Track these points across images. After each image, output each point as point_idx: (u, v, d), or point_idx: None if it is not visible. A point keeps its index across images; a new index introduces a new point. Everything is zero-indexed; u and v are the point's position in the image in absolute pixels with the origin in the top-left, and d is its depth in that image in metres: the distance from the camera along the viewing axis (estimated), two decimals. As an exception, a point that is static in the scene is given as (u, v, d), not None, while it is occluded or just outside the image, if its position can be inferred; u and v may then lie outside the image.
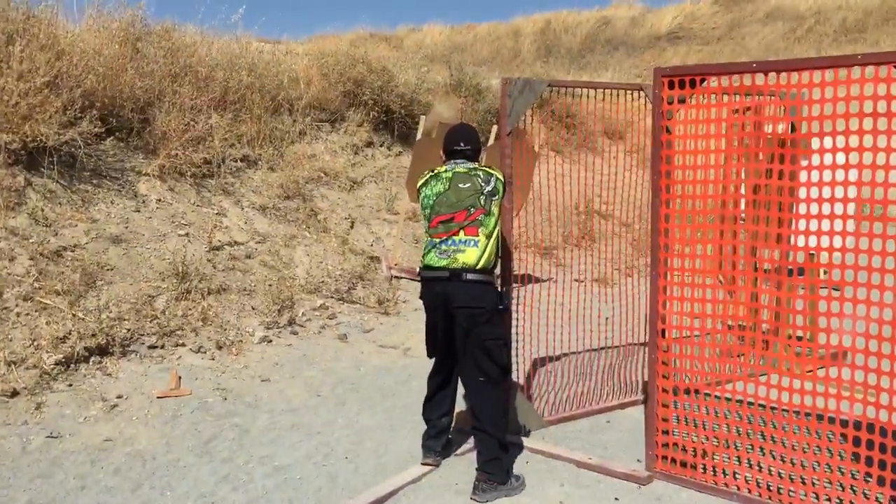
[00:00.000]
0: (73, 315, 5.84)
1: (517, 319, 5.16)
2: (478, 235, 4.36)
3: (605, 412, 5.57)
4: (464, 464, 4.65)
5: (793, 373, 4.01)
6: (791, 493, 4.00)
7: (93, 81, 7.69)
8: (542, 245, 10.63)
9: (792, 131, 5.27)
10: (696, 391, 4.38)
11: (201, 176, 8.50)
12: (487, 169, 4.54)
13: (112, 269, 6.58)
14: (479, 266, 4.36)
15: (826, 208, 3.84)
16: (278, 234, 8.54)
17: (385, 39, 24.94)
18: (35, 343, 5.51)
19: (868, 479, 3.81)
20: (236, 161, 9.10)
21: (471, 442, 4.71)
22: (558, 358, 6.32)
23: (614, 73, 21.64)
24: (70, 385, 5.35)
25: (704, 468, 4.31)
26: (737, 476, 4.26)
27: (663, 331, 4.38)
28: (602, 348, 6.63)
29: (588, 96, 5.45)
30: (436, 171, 4.61)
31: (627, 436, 5.13)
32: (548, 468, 4.62)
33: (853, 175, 3.90)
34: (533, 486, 4.39)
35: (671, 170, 4.35)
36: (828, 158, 3.89)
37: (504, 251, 4.99)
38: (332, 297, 7.87)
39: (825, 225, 3.85)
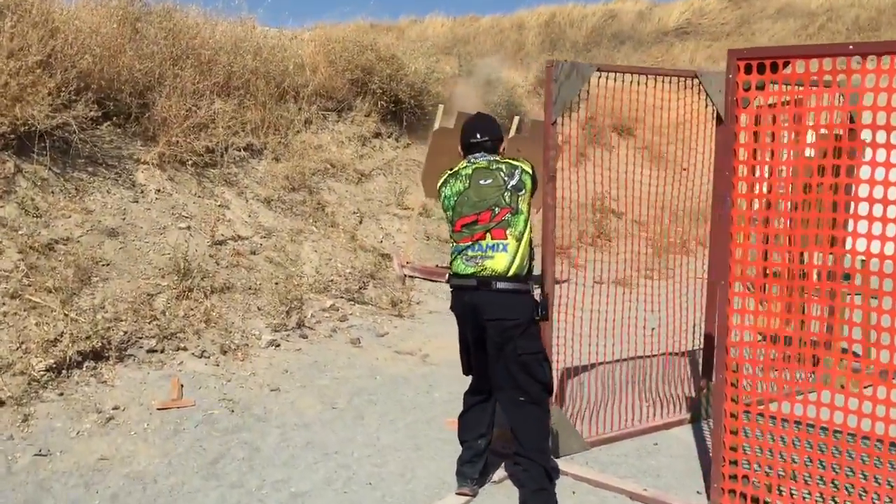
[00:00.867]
0: (66, 315, 5.32)
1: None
2: (506, 238, 3.87)
3: (649, 433, 5.08)
4: (503, 493, 4.16)
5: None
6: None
7: (89, 62, 7.15)
8: (559, 244, 10.13)
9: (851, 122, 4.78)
10: (773, 417, 3.88)
11: (203, 165, 7.97)
12: (511, 161, 4.04)
13: (108, 265, 6.06)
14: (510, 273, 3.86)
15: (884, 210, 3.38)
16: (284, 228, 8.02)
17: (387, 30, 24.41)
18: (23, 346, 4.99)
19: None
20: (240, 150, 8.57)
21: (511, 467, 4.22)
22: (590, 368, 5.82)
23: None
24: (61, 394, 4.83)
25: None
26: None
27: (732, 348, 3.89)
28: (637, 357, 6.12)
29: (639, 83, 4.94)
30: (455, 169, 4.13)
31: (679, 462, 4.63)
32: (597, 500, 4.12)
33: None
34: (582, 519, 3.90)
35: (746, 166, 3.84)
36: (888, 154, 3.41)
37: (545, 252, 4.50)
38: (342, 298, 7.36)
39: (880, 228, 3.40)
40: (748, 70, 3.79)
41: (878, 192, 3.47)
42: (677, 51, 24.81)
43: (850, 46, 3.51)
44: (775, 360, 4.26)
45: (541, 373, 3.97)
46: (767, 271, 4.17)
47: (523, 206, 3.93)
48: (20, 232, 5.70)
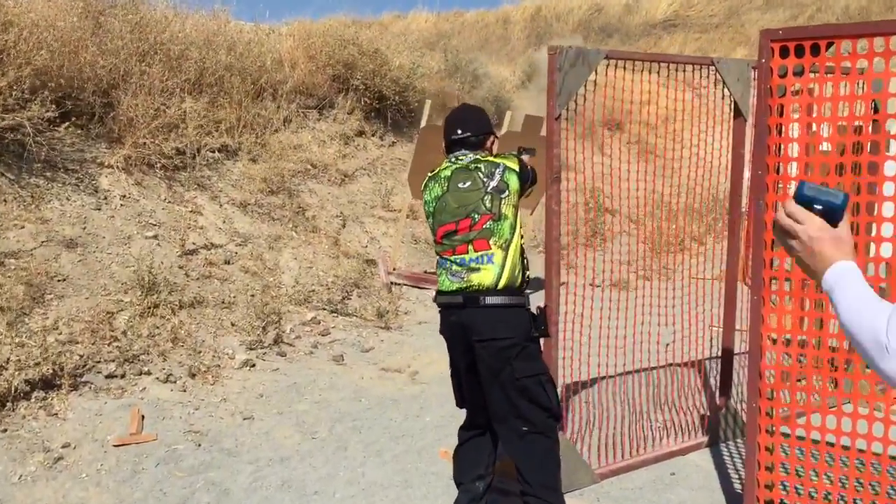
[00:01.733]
0: (13, 339, 4.77)
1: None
2: (490, 248, 3.35)
3: (664, 460, 4.56)
4: (507, 541, 3.64)
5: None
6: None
7: (45, 58, 6.58)
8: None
9: (875, 112, 4.27)
10: (815, 442, 3.36)
11: (173, 168, 7.41)
12: (492, 159, 3.51)
13: (64, 280, 5.50)
14: (500, 285, 3.34)
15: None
16: (261, 234, 7.48)
17: (369, 26, 23.85)
18: (-38, 376, 4.44)
19: None
20: (213, 151, 8.01)
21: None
22: (590, 385, 5.31)
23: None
24: (4, 430, 4.27)
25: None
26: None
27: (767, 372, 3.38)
28: (643, 371, 5.60)
29: (650, 71, 4.43)
30: (435, 171, 3.62)
31: (702, 495, 4.12)
32: (615, 547, 3.62)
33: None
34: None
35: (781, 163, 3.34)
36: None
37: (549, 261, 3.98)
38: (324, 309, 6.82)
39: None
40: (784, 53, 3.28)
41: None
42: (665, 43, 24.41)
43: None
44: (804, 367, 3.77)
45: (544, 397, 3.42)
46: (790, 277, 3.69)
47: (507, 211, 3.42)
48: (-37, 246, 5.15)
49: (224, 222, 7.30)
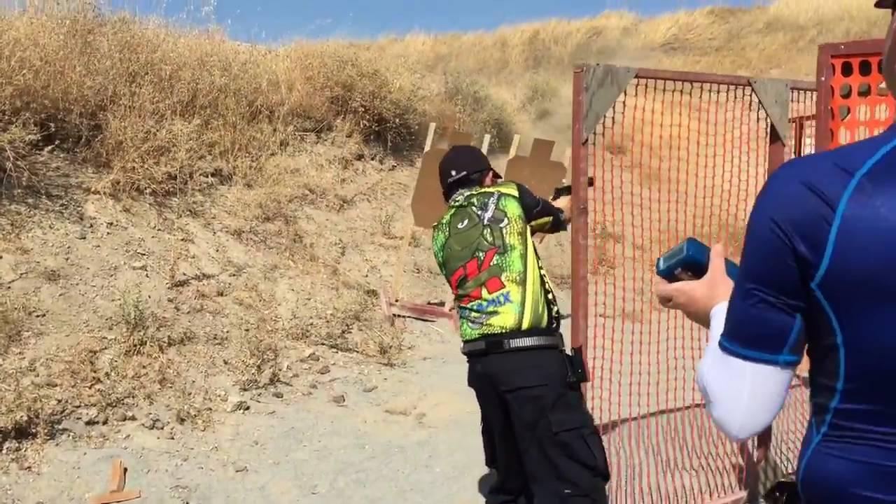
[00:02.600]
0: (-16, 383, 4.36)
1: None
2: (504, 286, 3.00)
3: (699, 518, 4.16)
4: None
5: None
6: None
7: (28, 78, 6.21)
8: (559, 274, 9.26)
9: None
10: None
11: (164, 194, 7.02)
12: (484, 190, 3.26)
13: (43, 316, 5.10)
14: (524, 326, 2.97)
15: None
16: (256, 263, 7.08)
17: (366, 49, 23.62)
18: (-75, 426, 4.03)
19: None
20: (206, 176, 7.62)
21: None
22: (610, 430, 4.89)
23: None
24: (-30, 488, 3.86)
25: None
26: None
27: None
28: (665, 412, 5.19)
29: (682, 92, 4.07)
30: (438, 221, 3.40)
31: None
32: None
33: None
34: None
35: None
36: None
37: (576, 304, 3.60)
38: (323, 344, 6.41)
39: None
40: (847, 71, 2.92)
41: None
42: (666, 66, 24.20)
43: None
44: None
45: (587, 453, 3.00)
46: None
47: (512, 240, 3.09)
48: (-67, 280, 4.75)
49: (217, 251, 6.91)
